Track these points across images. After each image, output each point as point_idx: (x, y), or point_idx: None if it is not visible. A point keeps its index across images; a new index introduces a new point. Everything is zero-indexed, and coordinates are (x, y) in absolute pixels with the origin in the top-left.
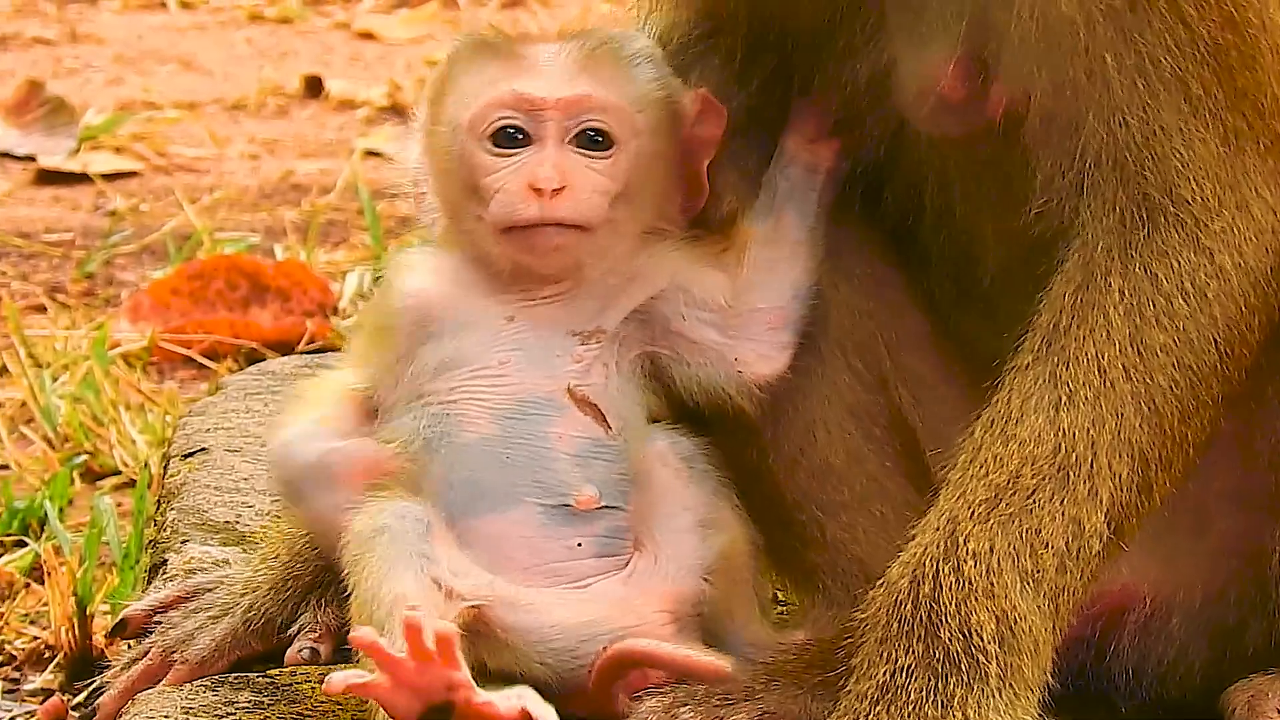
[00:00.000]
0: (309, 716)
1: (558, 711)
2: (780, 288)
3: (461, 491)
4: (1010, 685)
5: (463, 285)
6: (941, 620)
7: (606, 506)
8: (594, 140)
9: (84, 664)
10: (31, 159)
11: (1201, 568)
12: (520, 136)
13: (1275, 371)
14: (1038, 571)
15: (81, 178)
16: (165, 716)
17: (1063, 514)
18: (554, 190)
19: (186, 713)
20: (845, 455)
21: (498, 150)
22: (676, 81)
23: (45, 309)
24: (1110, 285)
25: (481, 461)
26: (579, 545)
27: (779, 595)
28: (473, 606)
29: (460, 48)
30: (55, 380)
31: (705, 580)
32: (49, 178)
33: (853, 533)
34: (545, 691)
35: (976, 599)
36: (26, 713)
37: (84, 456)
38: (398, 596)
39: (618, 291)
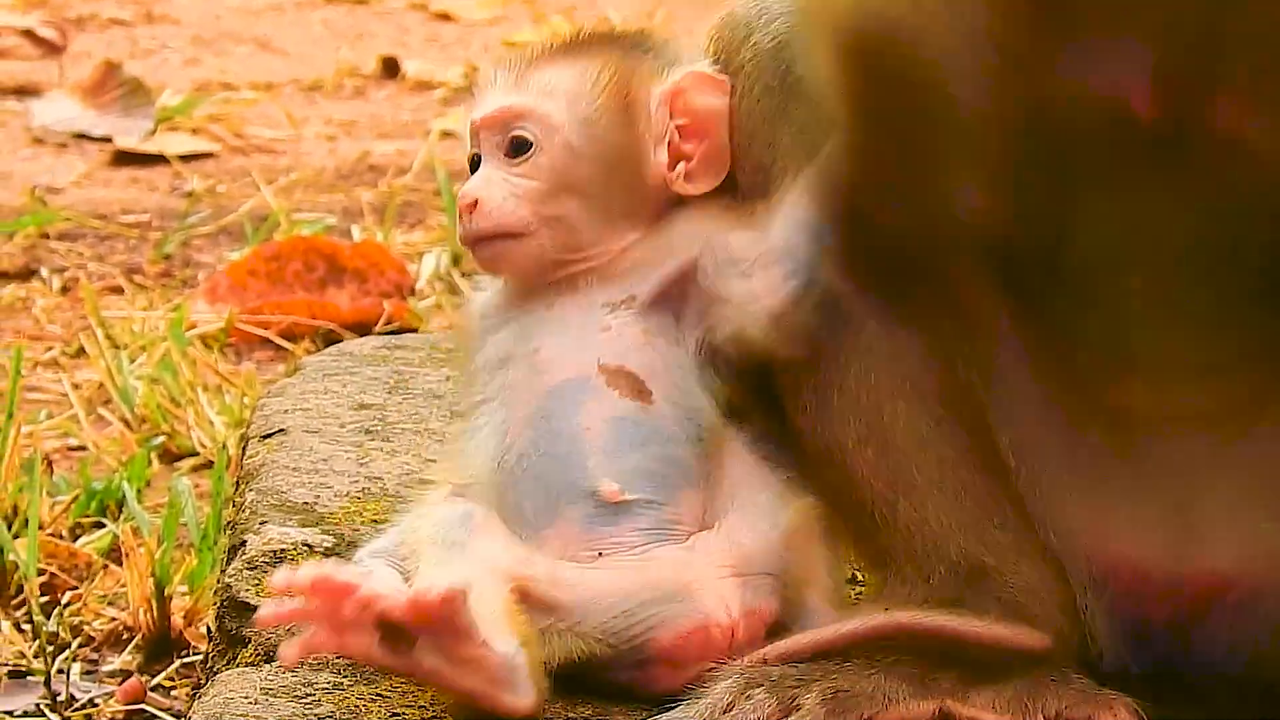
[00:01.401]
0: (388, 697)
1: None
2: (785, 223)
3: (512, 513)
4: None
5: (508, 289)
6: None
7: (646, 499)
8: (517, 148)
9: (162, 645)
10: (108, 140)
11: None
12: (477, 163)
13: None
14: None
15: (158, 159)
16: (245, 696)
17: None
18: (469, 206)
19: (266, 693)
20: (913, 438)
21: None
22: (649, 62)
23: (122, 290)
24: None
25: (520, 477)
26: (632, 536)
27: (856, 575)
28: (519, 586)
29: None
30: (133, 361)
31: (774, 544)
32: (125, 159)
33: (924, 513)
34: (612, 674)
35: None
36: (105, 694)
37: (162, 438)
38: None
39: (647, 262)
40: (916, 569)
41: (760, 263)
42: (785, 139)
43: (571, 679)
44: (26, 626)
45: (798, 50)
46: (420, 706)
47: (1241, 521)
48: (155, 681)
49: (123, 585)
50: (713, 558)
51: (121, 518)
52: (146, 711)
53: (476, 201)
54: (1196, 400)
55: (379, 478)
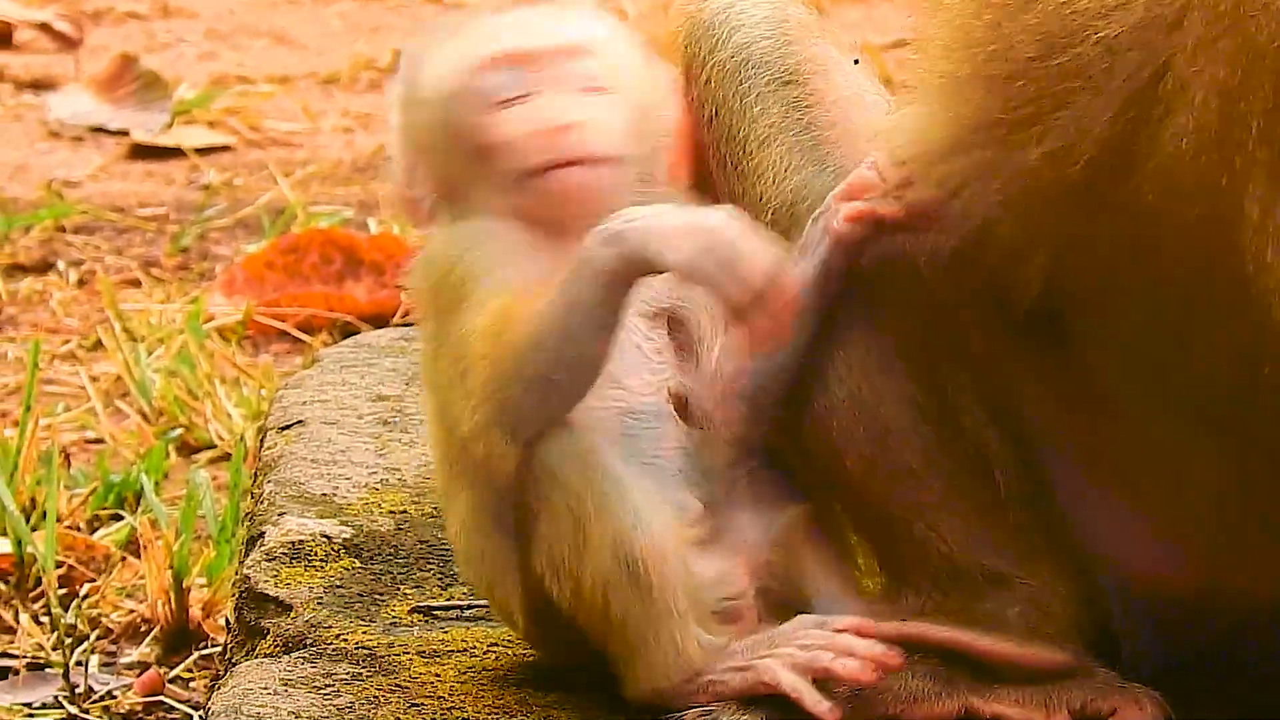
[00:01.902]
0: (407, 688)
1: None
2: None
3: None
4: None
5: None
6: None
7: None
8: (589, 84)
9: (180, 637)
10: (125, 134)
11: None
12: (515, 92)
13: None
14: None
15: (175, 152)
16: (264, 687)
17: None
18: (568, 128)
19: (285, 684)
20: (922, 458)
21: (497, 107)
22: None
23: (140, 283)
24: None
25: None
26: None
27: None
28: None
29: (418, 42)
30: (150, 354)
31: (767, 553)
32: (142, 152)
33: (938, 531)
34: None
35: None
36: (123, 685)
37: (179, 430)
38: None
39: None
40: (933, 581)
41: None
42: (736, 158)
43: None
44: (45, 619)
45: (756, 64)
46: (439, 697)
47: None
48: (173, 673)
49: (141, 577)
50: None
51: (139, 510)
52: (165, 703)
53: (579, 124)
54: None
55: (397, 468)
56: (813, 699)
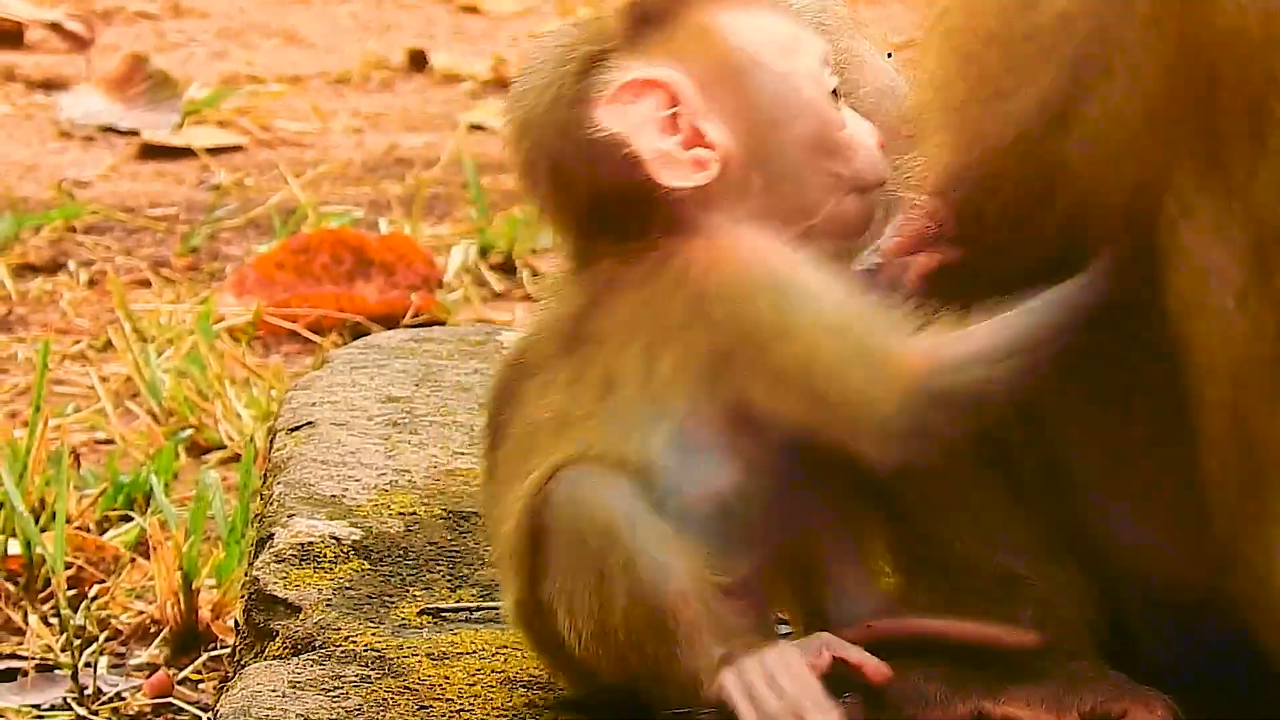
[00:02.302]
0: (416, 690)
1: None
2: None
3: None
4: None
5: None
6: None
7: None
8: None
9: (189, 638)
10: (135, 134)
11: None
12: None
13: None
14: None
15: (185, 152)
16: (273, 689)
17: None
18: (881, 145)
19: (294, 686)
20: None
21: (835, 103)
22: None
23: (150, 284)
24: None
25: None
26: None
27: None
28: None
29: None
30: (160, 355)
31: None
32: (153, 152)
33: (954, 530)
34: None
35: None
36: (132, 687)
37: (189, 431)
38: None
39: None
40: (946, 579)
41: None
42: None
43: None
44: (54, 620)
45: None
46: (448, 700)
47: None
48: (183, 675)
49: (150, 578)
50: None
51: (149, 511)
52: (174, 705)
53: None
54: None
55: (407, 470)
56: None
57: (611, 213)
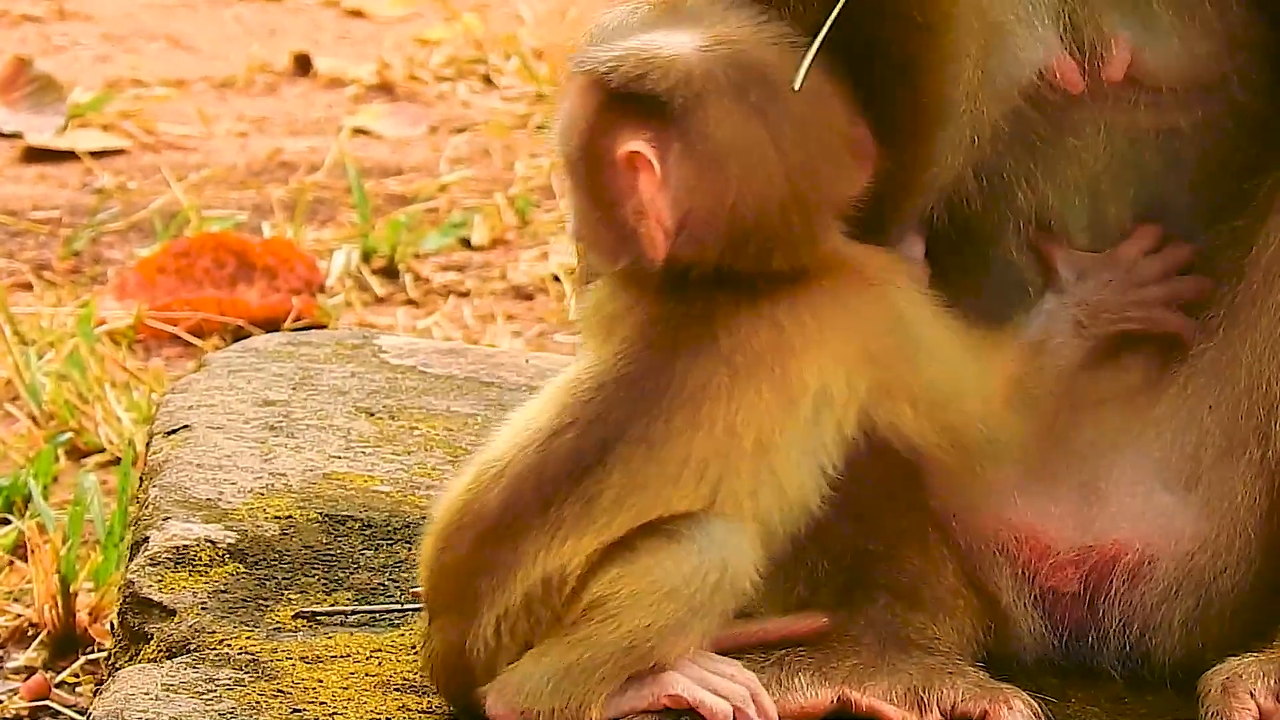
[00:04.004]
0: (289, 693)
1: None
2: None
3: None
4: None
5: None
6: None
7: None
8: None
9: (67, 642)
10: (19, 136)
11: (1188, 519)
12: None
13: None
14: None
15: (69, 155)
16: (146, 693)
17: None
18: None
19: (167, 689)
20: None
21: None
22: None
23: (31, 286)
24: None
25: None
26: None
27: None
28: None
29: None
30: (41, 358)
31: None
32: (36, 155)
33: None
34: None
35: None
36: (9, 690)
37: (69, 434)
38: None
39: None
40: (802, 561)
41: None
42: None
43: None
44: None
45: None
46: (321, 703)
47: (1138, 490)
48: (60, 678)
49: (28, 582)
50: None
51: (27, 514)
52: (51, 708)
53: None
54: (1100, 381)
55: (283, 474)
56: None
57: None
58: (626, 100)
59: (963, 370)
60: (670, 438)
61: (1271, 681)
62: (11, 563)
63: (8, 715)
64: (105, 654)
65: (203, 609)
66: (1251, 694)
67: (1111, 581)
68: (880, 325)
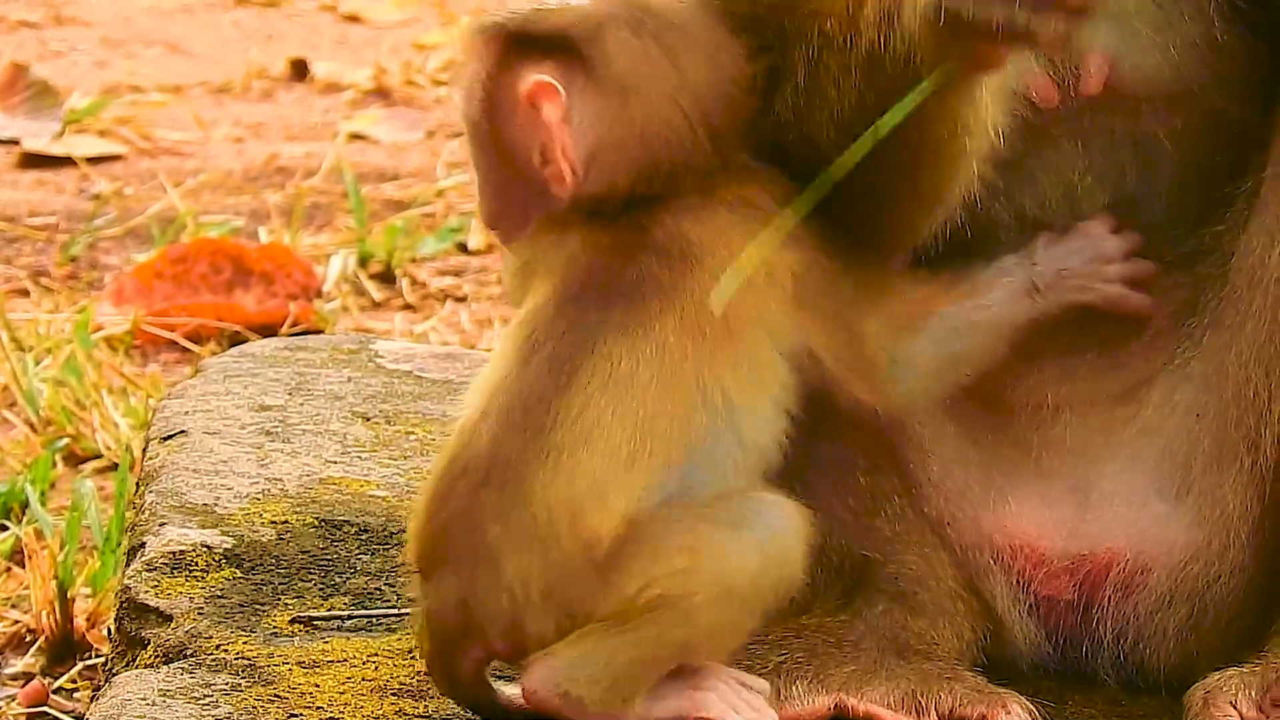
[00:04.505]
0: (286, 698)
1: None
2: None
3: None
4: None
5: None
6: None
7: None
8: None
9: (65, 648)
10: (15, 142)
11: (1180, 528)
12: None
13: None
14: None
15: (65, 161)
16: (142, 698)
17: None
18: None
19: (164, 694)
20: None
21: None
22: None
23: (28, 293)
24: None
25: None
26: None
27: None
28: None
29: None
30: (38, 364)
31: None
32: (33, 161)
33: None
34: None
35: None
36: (7, 696)
37: (66, 440)
38: None
39: None
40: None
41: None
42: None
43: None
44: None
45: None
46: (318, 708)
47: (1131, 499)
48: (58, 684)
49: (26, 588)
50: None
51: (25, 520)
52: (49, 714)
53: None
54: (1088, 389)
55: (279, 479)
56: None
57: None
58: (525, 43)
59: (870, 286)
60: (646, 324)
61: (1253, 692)
62: (9, 568)
63: None
64: (102, 660)
65: (199, 614)
66: (1233, 704)
67: (1105, 590)
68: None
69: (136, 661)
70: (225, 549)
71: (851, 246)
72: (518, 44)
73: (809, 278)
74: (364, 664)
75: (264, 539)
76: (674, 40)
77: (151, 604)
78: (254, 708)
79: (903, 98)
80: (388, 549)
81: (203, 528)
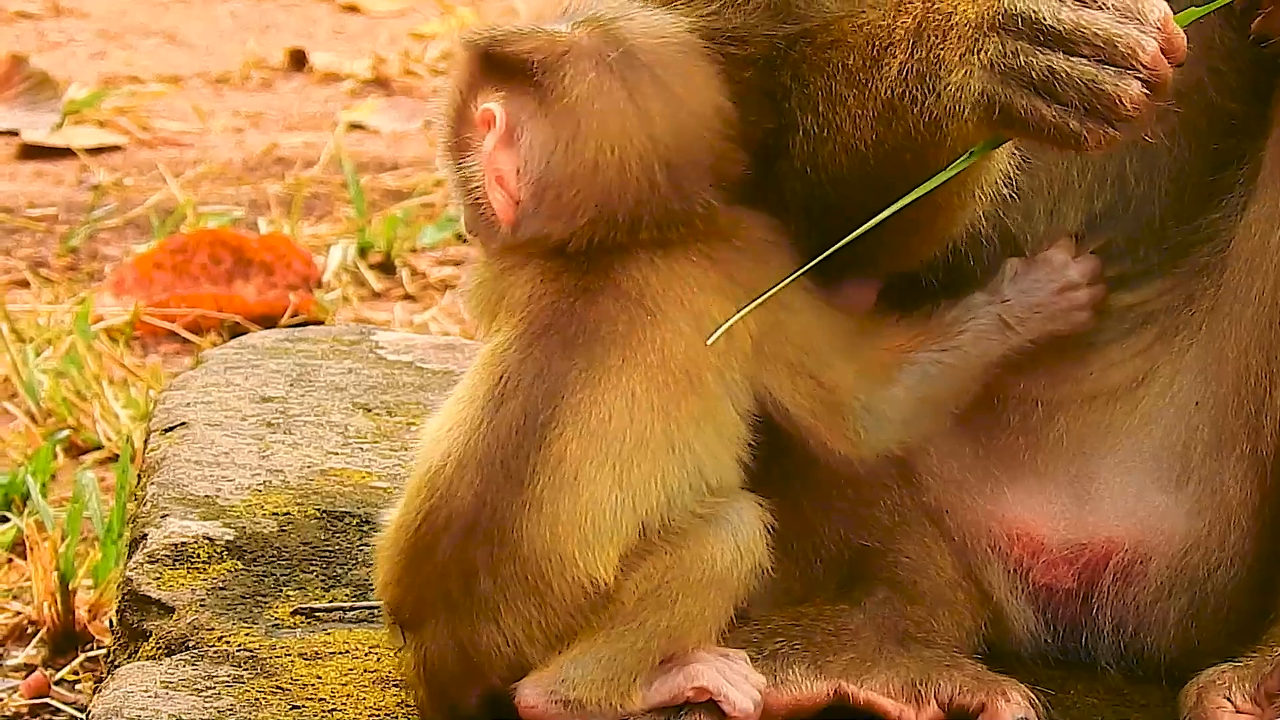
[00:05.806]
0: (288, 690)
1: None
2: None
3: None
4: None
5: None
6: None
7: None
8: None
9: (67, 639)
10: (14, 134)
11: (1180, 517)
12: None
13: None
14: None
15: (65, 152)
16: (144, 690)
17: None
18: None
19: (166, 686)
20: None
21: None
22: None
23: (28, 284)
24: None
25: None
26: None
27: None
28: None
29: None
30: (38, 355)
31: None
32: (32, 152)
33: (799, 508)
34: None
35: None
36: (9, 688)
37: (67, 431)
38: None
39: None
40: (796, 560)
41: None
42: None
43: None
44: None
45: None
46: (319, 699)
47: (1130, 487)
48: (59, 675)
49: (27, 579)
50: None
51: (26, 512)
52: (51, 705)
53: None
54: (1087, 378)
55: (280, 470)
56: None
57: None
58: (492, 64)
59: (837, 337)
60: (611, 374)
61: (1247, 685)
62: (10, 560)
63: (8, 713)
64: (104, 651)
65: (201, 606)
66: (1228, 698)
67: (1104, 579)
68: (756, 289)
69: (138, 653)
70: (227, 541)
71: (819, 296)
72: (485, 64)
73: (772, 335)
74: (365, 655)
75: (265, 531)
76: (639, 79)
77: (153, 596)
78: (256, 699)
79: (936, 159)
80: None
81: (204, 519)
